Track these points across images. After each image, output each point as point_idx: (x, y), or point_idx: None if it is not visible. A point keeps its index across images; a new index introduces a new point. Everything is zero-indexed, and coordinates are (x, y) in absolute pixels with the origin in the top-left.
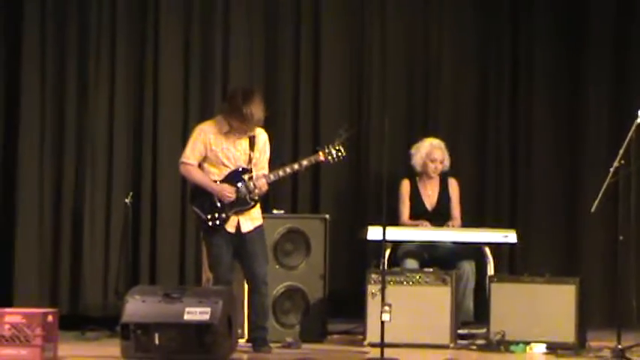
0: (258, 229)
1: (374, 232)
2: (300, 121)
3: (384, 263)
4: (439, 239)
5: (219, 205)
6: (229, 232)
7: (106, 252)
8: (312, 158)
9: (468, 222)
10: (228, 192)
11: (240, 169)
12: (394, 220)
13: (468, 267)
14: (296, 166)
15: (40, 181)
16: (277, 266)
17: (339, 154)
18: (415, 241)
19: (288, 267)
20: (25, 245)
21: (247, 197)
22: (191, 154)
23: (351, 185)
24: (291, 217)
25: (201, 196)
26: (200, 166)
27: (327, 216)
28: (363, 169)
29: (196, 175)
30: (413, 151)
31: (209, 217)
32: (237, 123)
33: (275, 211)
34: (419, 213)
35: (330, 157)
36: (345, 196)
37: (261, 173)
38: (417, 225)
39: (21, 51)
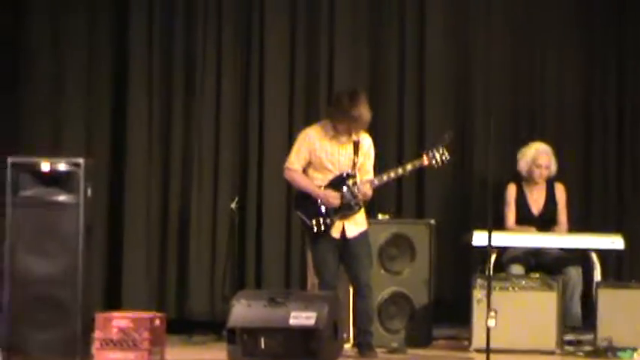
0: (363, 234)
1: (479, 237)
2: (404, 125)
3: (489, 268)
4: (545, 245)
5: (324, 210)
6: (334, 238)
7: (212, 256)
8: (416, 162)
9: (574, 227)
10: (333, 197)
11: (345, 175)
12: (500, 225)
13: (575, 273)
14: (400, 171)
15: (148, 185)
16: (382, 271)
17: (444, 157)
18: (521, 246)
19: (393, 272)
20: (132, 249)
21: (352, 202)
22: (295, 160)
23: (456, 189)
24: (396, 222)
25: (306, 201)
26: (304, 171)
27: (432, 221)
28: (467, 172)
29: (301, 181)
30: (519, 156)
31: (314, 222)
32: (344, 126)
33: (380, 216)
34: (525, 218)
35: (434, 161)
36: (450, 201)
37: (365, 178)
38: (523, 230)
39: (128, 63)
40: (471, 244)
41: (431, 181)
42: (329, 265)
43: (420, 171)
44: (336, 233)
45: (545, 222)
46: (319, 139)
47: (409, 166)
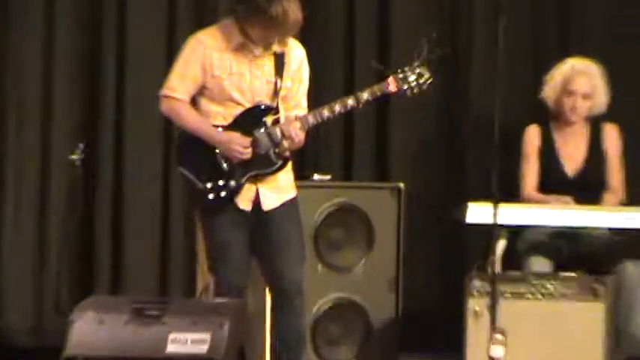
0: (290, 206)
1: (477, 213)
2: (356, 29)
3: (494, 262)
4: (587, 224)
5: (225, 166)
6: (242, 211)
7: (38, 242)
8: (377, 88)
9: (634, 197)
10: (241, 145)
11: (262, 108)
12: (512, 193)
13: (634, 270)
14: (351, 102)
15: None
16: (320, 266)
17: (421, 80)
18: (547, 226)
19: (338, 268)
20: None
21: (271, 153)
22: (179, 84)
23: (440, 135)
24: (344, 187)
25: (196, 151)
26: (194, 102)
27: (402, 185)
28: (458, 106)
29: (188, 118)
30: (545, 79)
31: (209, 186)
32: (258, 31)
33: (317, 177)
34: (554, 181)
35: (405, 87)
36: (429, 155)
37: (294, 114)
38: (550, 201)
39: None
40: (464, 223)
41: (399, 122)
42: (232, 254)
43: (383, 103)
44: (244, 204)
45: (587, 187)
46: (218, 51)
47: (366, 95)
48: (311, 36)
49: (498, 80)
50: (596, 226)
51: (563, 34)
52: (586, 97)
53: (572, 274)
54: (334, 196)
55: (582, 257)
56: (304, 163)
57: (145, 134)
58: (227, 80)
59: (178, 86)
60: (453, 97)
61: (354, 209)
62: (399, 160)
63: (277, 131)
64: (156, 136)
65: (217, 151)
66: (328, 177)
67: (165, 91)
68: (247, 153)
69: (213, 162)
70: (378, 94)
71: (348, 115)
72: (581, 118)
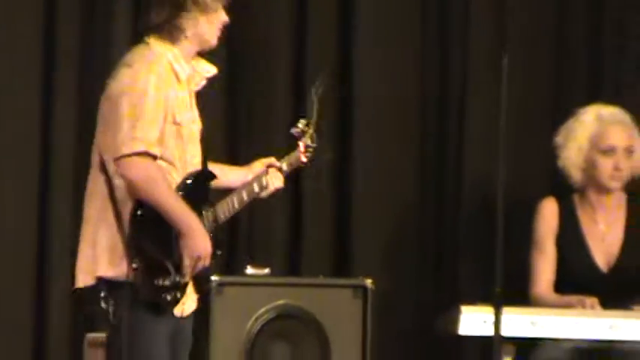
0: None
1: (473, 321)
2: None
3: None
4: (624, 337)
5: (174, 261)
6: (177, 319)
7: None
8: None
9: None
10: (207, 236)
11: (206, 174)
12: (521, 293)
13: None
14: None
15: None
16: None
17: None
18: (569, 339)
19: None
20: None
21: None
22: (153, 134)
23: (420, 214)
24: (288, 285)
25: (155, 231)
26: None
27: (369, 282)
28: (444, 177)
29: (167, 193)
30: (561, 137)
31: (165, 280)
32: (202, 27)
33: (252, 270)
34: (579, 276)
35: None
36: (406, 241)
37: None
38: (572, 304)
39: None
40: (456, 335)
41: (364, 195)
42: None
43: (345, 165)
44: (177, 309)
45: (624, 285)
46: (174, 86)
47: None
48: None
49: (501, 140)
50: (637, 339)
51: (594, 76)
52: (629, 152)
53: None
54: (275, 298)
55: None
56: (234, 250)
57: None
58: (186, 128)
59: (154, 137)
60: (439, 162)
61: (302, 315)
62: (364, 249)
63: (223, 211)
64: None
65: (181, 243)
66: (266, 270)
67: (136, 146)
68: (209, 247)
69: (171, 254)
70: (291, 166)
71: (294, 184)
72: (623, 182)
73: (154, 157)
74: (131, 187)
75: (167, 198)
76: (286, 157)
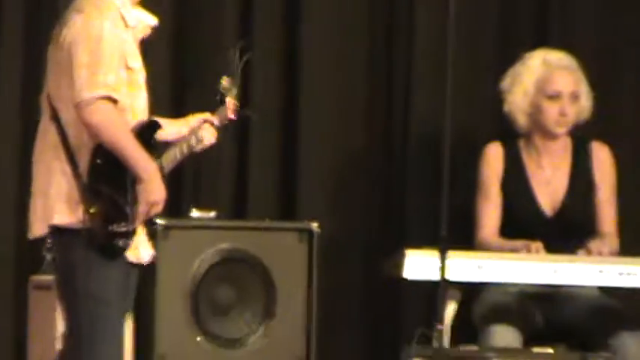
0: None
1: (419, 265)
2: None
3: (440, 332)
4: (568, 281)
5: (130, 207)
6: (128, 264)
7: None
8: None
9: (631, 244)
10: (160, 180)
11: (154, 124)
12: (466, 237)
13: (633, 344)
14: (185, 149)
15: None
16: (200, 338)
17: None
18: (515, 284)
19: (226, 341)
20: None
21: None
22: (111, 76)
23: (366, 158)
24: (234, 228)
25: (113, 177)
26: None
27: (314, 226)
28: (390, 121)
29: (126, 134)
30: (507, 82)
31: (120, 225)
32: None
33: (197, 214)
34: (524, 220)
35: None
36: (352, 184)
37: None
38: (517, 248)
39: None
40: (401, 279)
41: (310, 139)
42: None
43: (291, 109)
44: (132, 254)
45: (569, 230)
46: (123, 32)
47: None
48: None
49: (449, 83)
50: (582, 284)
51: (542, 20)
52: (574, 97)
53: (549, 350)
54: (220, 241)
55: (563, 327)
56: (179, 194)
57: None
58: (140, 73)
59: (113, 80)
60: (387, 106)
61: (248, 259)
62: (309, 192)
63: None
64: None
65: (138, 186)
66: (212, 214)
67: (97, 91)
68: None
69: (122, 195)
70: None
71: (241, 129)
72: (568, 128)
73: (115, 102)
74: (93, 132)
75: (127, 142)
76: (216, 113)
